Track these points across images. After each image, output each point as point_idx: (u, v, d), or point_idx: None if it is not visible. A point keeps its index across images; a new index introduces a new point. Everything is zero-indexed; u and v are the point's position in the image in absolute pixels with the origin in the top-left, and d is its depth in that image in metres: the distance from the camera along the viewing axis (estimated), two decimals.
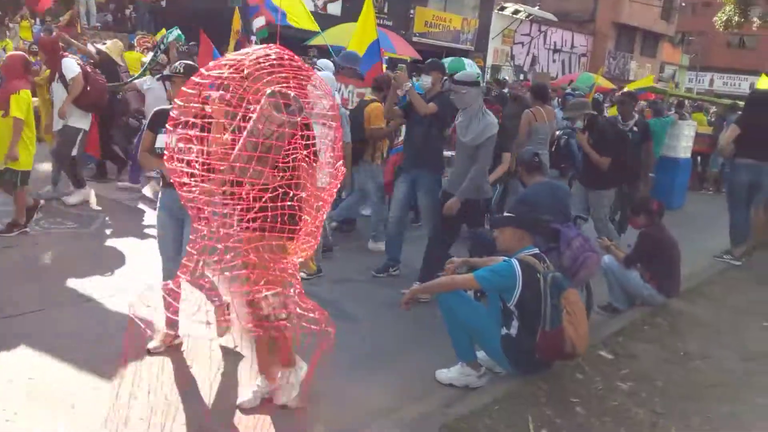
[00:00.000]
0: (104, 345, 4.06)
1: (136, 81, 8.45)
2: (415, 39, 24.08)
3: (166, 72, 5.81)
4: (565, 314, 3.88)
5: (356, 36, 8.76)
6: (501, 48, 30.52)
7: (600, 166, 6.57)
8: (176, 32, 9.05)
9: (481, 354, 4.17)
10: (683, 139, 11.24)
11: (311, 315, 2.64)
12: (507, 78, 24.16)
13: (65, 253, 5.95)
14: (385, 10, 24.56)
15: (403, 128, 7.10)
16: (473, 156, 5.25)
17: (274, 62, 2.47)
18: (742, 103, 11.15)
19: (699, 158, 13.39)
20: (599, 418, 3.69)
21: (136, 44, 11.80)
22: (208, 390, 3.67)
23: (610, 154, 6.57)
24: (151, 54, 9.48)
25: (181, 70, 3.88)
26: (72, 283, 5.14)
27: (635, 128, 7.63)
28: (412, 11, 25.45)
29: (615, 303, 5.58)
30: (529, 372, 4.03)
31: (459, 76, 5.35)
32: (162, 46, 8.75)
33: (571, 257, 4.60)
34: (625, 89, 9.05)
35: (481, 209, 5.63)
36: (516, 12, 30.29)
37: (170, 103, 3.73)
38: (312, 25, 10.40)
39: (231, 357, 4.14)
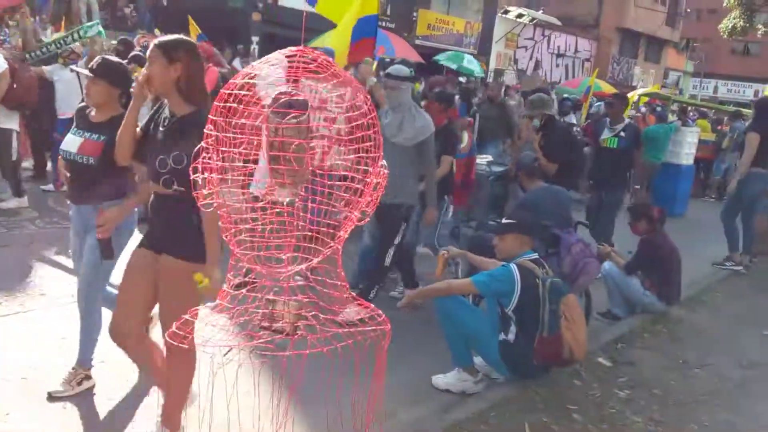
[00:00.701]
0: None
1: (44, 68, 7.73)
2: (417, 42, 24.07)
3: (80, 68, 5.06)
4: (563, 320, 3.86)
5: (352, 9, 8.17)
6: (504, 52, 30.50)
7: (546, 170, 6.01)
8: (98, 28, 8.72)
9: (478, 360, 4.14)
10: (686, 146, 11.22)
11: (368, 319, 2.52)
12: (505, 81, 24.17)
13: (60, 251, 5.93)
14: (388, 12, 24.55)
15: (465, 135, 6.83)
16: (413, 158, 4.85)
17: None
18: (746, 111, 11.15)
19: (702, 165, 13.39)
20: (596, 425, 3.67)
21: (136, 43, 11.80)
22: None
23: (557, 158, 6.05)
24: (55, 35, 9.13)
25: (94, 69, 3.38)
26: (64, 281, 5.12)
27: (623, 133, 6.94)
28: (414, 14, 25.44)
29: (614, 310, 5.56)
30: (526, 378, 4.01)
31: (392, 70, 4.91)
32: (75, 36, 8.17)
33: (571, 263, 4.59)
34: (617, 93, 8.62)
35: (401, 217, 4.97)
36: (519, 16, 30.27)
37: (83, 95, 3.66)
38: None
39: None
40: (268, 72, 2.35)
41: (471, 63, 14.92)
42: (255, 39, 19.80)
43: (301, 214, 2.49)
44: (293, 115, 2.29)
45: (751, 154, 7.13)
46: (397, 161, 4.53)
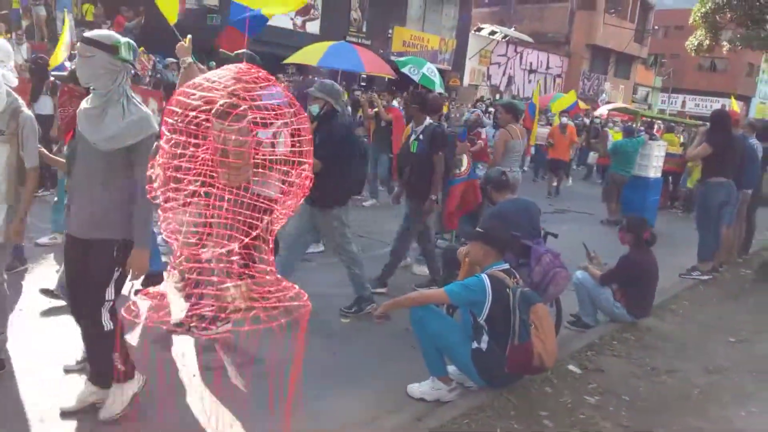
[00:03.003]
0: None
1: None
2: (393, 58, 24.27)
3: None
4: (533, 329, 3.95)
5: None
6: (478, 68, 30.92)
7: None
8: None
9: (452, 368, 4.21)
10: (654, 159, 11.46)
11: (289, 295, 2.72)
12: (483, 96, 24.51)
13: (46, 265, 5.91)
14: (364, 29, 24.80)
15: (464, 158, 7.05)
16: (118, 168, 3.24)
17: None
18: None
19: (670, 178, 13.65)
20: (567, 431, 3.75)
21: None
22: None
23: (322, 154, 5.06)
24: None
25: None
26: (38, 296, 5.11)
27: (422, 136, 6.21)
28: (390, 31, 25.72)
29: (585, 318, 5.66)
30: (498, 385, 4.09)
31: (89, 33, 3.31)
32: None
33: (540, 273, 4.70)
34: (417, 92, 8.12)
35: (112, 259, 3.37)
36: (492, 33, 30.75)
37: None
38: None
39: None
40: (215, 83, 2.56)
41: (433, 74, 14.95)
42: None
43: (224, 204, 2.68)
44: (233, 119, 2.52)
45: (696, 155, 7.58)
46: (89, 173, 3.27)
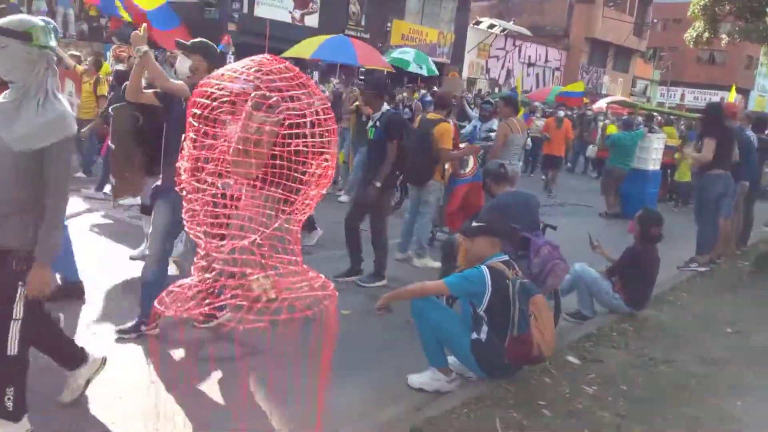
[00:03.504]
0: None
1: None
2: (386, 57, 24.31)
3: None
4: (532, 319, 3.99)
5: None
6: (476, 61, 30.91)
7: None
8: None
9: (452, 359, 4.25)
10: (653, 152, 11.51)
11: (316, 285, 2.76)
12: (482, 89, 24.49)
13: None
14: (363, 23, 24.77)
15: (470, 159, 7.03)
16: (28, 171, 2.87)
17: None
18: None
19: (669, 170, 13.68)
20: (565, 421, 3.79)
21: (111, 54, 11.75)
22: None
23: None
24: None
25: None
26: None
27: (378, 123, 6.14)
28: (389, 24, 25.70)
29: (583, 311, 5.70)
30: (498, 376, 4.13)
31: None
32: None
33: (539, 265, 4.74)
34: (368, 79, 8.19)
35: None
36: (491, 26, 30.75)
37: None
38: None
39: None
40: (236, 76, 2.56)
41: (424, 60, 14.97)
42: (231, 49, 19.85)
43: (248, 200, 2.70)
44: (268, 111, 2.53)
45: (707, 157, 7.36)
46: (7, 179, 2.87)
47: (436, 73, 15.64)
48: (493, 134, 9.32)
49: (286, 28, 21.12)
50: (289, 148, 2.58)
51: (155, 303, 2.74)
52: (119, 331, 4.39)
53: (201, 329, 4.59)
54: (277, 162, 2.62)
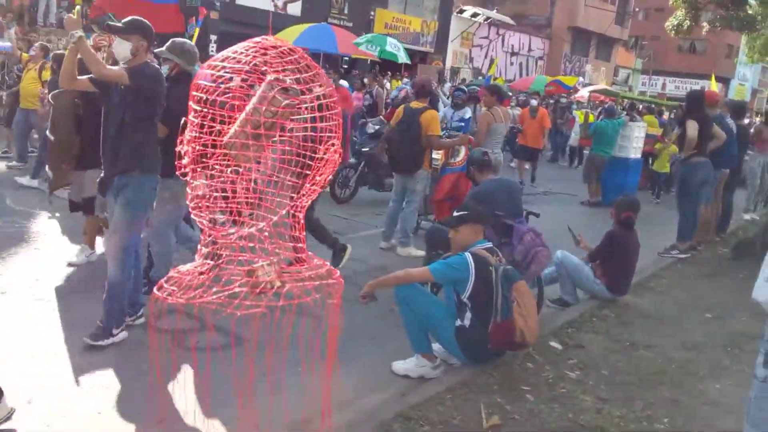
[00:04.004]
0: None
1: None
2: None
3: None
4: (515, 306, 4.04)
5: None
6: (460, 50, 30.90)
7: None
8: None
9: (436, 346, 4.29)
10: (634, 140, 11.61)
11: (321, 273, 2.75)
12: (466, 79, 24.51)
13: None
14: (345, 11, 24.66)
15: (462, 149, 6.95)
16: None
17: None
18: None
19: (650, 159, 13.78)
20: (548, 405, 3.85)
21: (92, 43, 11.65)
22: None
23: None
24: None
25: None
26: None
27: None
28: (372, 13, 25.60)
29: (566, 297, 5.76)
30: (481, 362, 4.18)
31: None
32: None
33: (522, 252, 4.77)
34: None
35: None
36: (474, 15, 30.70)
37: None
38: None
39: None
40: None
41: (398, 49, 14.83)
42: (213, 38, 19.70)
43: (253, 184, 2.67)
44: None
45: (692, 136, 7.45)
46: None
47: (403, 59, 15.54)
48: (467, 124, 9.33)
49: (273, 17, 20.98)
50: (301, 134, 2.58)
51: (154, 290, 2.74)
52: (91, 347, 4.08)
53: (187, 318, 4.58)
54: (286, 148, 2.62)
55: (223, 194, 2.68)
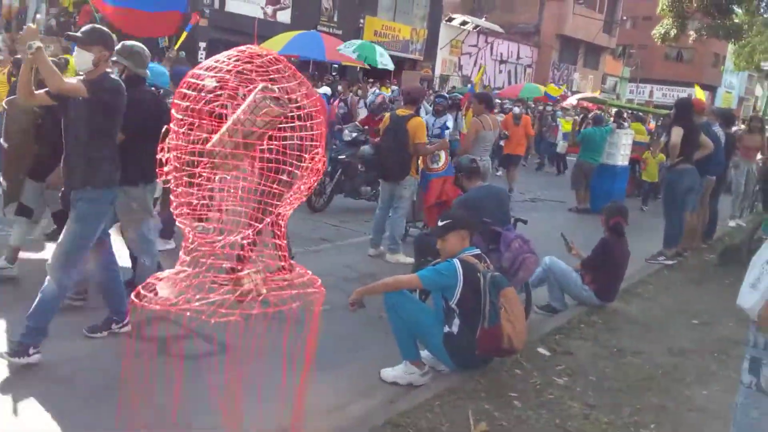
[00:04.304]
0: None
1: None
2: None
3: None
4: (503, 312, 4.05)
5: None
6: (449, 58, 31.02)
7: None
8: None
9: (425, 353, 4.30)
10: (621, 147, 11.69)
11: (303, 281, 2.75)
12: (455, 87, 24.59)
13: None
14: (335, 19, 24.71)
15: (442, 154, 6.95)
16: None
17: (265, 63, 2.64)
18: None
19: (638, 166, 13.86)
20: (536, 411, 3.86)
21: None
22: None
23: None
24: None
25: None
26: None
27: None
28: (361, 20, 25.66)
29: (554, 303, 5.78)
30: (469, 368, 4.19)
31: None
32: None
33: (510, 258, 4.79)
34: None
35: None
36: (463, 23, 30.84)
37: None
38: None
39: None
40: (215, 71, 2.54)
41: (384, 57, 14.90)
42: (202, 45, 19.70)
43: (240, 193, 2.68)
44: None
45: (675, 142, 7.50)
46: None
47: (388, 66, 15.56)
48: (446, 132, 9.33)
49: (259, 24, 20.98)
50: (288, 142, 2.59)
51: (132, 297, 2.73)
52: (10, 362, 3.87)
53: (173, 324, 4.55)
54: (273, 156, 2.62)
55: (208, 201, 2.67)
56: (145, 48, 4.66)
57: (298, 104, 2.63)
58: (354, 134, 9.23)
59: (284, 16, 22.67)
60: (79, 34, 3.93)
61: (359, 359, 4.53)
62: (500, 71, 34.35)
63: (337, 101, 14.00)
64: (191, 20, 13.16)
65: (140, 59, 4.59)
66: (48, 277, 3.95)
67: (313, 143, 2.69)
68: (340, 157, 9.03)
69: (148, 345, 4.28)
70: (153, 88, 6.46)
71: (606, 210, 6.02)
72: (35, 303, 3.91)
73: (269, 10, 22.20)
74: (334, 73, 21.62)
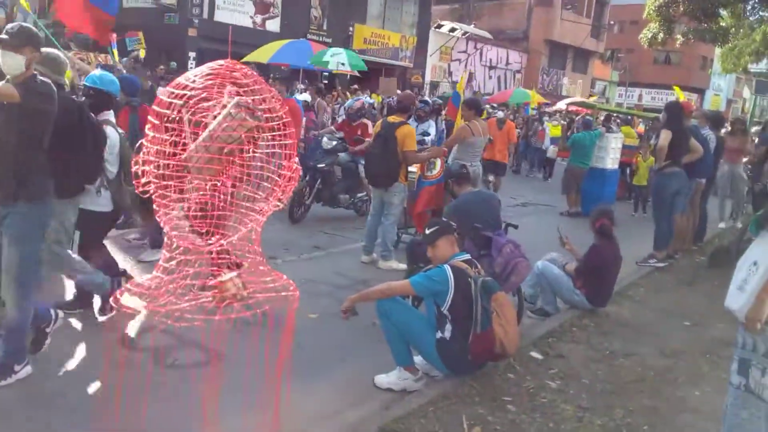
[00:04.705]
0: None
1: None
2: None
3: None
4: (494, 316, 4.07)
5: None
6: (439, 65, 31.14)
7: None
8: None
9: (418, 359, 4.31)
10: (611, 151, 11.77)
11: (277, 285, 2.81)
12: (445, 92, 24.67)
13: None
14: (324, 27, 24.79)
15: (438, 161, 6.94)
16: None
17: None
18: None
19: (628, 169, 13.94)
20: (529, 415, 3.88)
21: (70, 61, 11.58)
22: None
23: None
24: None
25: None
26: None
27: None
28: (351, 28, 25.75)
29: (546, 307, 5.81)
30: (463, 373, 4.20)
31: None
32: None
33: (502, 263, 4.82)
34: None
35: None
36: (452, 30, 31.01)
37: None
38: None
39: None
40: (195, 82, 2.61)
41: (347, 57, 14.78)
42: (192, 54, 19.72)
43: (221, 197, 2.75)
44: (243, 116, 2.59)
45: (662, 145, 7.54)
46: None
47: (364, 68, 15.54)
48: (427, 138, 9.30)
49: (248, 33, 21.04)
50: (266, 150, 2.65)
51: (118, 297, 2.77)
52: None
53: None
54: (252, 163, 2.70)
55: (194, 212, 2.71)
56: (60, 55, 4.44)
57: (269, 115, 2.70)
58: (333, 142, 8.93)
59: (273, 25, 22.73)
60: (5, 36, 3.56)
61: (353, 366, 4.54)
62: (490, 77, 34.51)
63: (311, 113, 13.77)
64: (128, 34, 13.06)
65: (55, 66, 4.27)
66: (7, 305, 3.74)
67: (288, 152, 2.75)
68: (319, 165, 8.74)
69: (134, 354, 4.30)
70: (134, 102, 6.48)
71: (591, 215, 6.05)
72: (4, 333, 3.79)
73: (258, 19, 22.26)
74: (325, 81, 21.66)
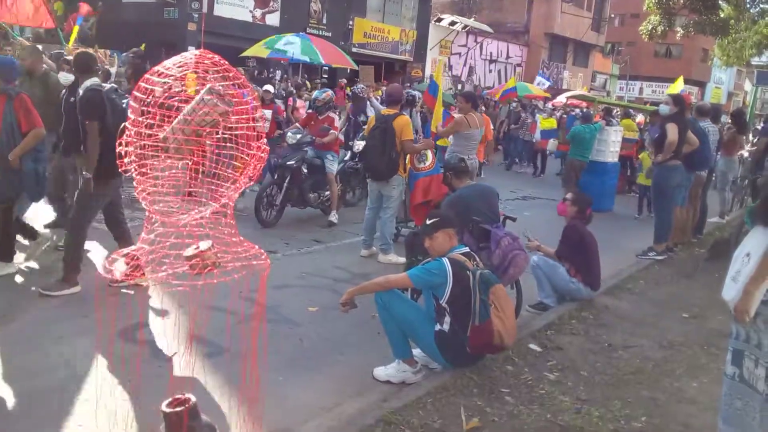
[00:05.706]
0: None
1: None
2: (354, 50, 24.30)
3: None
4: (492, 308, 4.08)
5: None
6: (439, 59, 31.06)
7: None
8: None
9: (417, 351, 4.33)
10: (611, 144, 11.76)
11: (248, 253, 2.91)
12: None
13: None
14: (324, 21, 24.74)
15: (429, 153, 7.02)
16: None
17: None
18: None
19: (628, 162, 13.93)
20: (527, 406, 3.90)
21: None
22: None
23: None
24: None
25: None
26: None
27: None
28: (351, 22, 25.70)
29: (545, 300, 5.82)
30: (461, 365, 4.22)
31: None
32: None
33: (500, 256, 4.84)
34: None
35: None
36: (452, 23, 30.92)
37: None
38: None
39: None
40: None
41: (291, 44, 14.61)
42: (191, 48, 19.70)
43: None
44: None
45: (672, 140, 7.53)
46: None
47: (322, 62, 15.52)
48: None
49: (248, 27, 21.02)
50: (237, 132, 2.81)
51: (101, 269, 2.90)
52: None
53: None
54: (227, 144, 2.85)
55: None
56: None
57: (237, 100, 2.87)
58: (298, 136, 8.42)
59: (273, 19, 22.69)
60: None
61: (352, 359, 4.56)
62: (490, 71, 34.45)
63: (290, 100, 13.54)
64: (80, 11, 12.86)
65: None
66: None
67: (258, 133, 2.90)
68: (288, 163, 8.17)
69: (133, 347, 4.31)
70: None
71: (578, 200, 6.04)
72: None
73: (258, 13, 22.21)
74: (324, 76, 21.65)
